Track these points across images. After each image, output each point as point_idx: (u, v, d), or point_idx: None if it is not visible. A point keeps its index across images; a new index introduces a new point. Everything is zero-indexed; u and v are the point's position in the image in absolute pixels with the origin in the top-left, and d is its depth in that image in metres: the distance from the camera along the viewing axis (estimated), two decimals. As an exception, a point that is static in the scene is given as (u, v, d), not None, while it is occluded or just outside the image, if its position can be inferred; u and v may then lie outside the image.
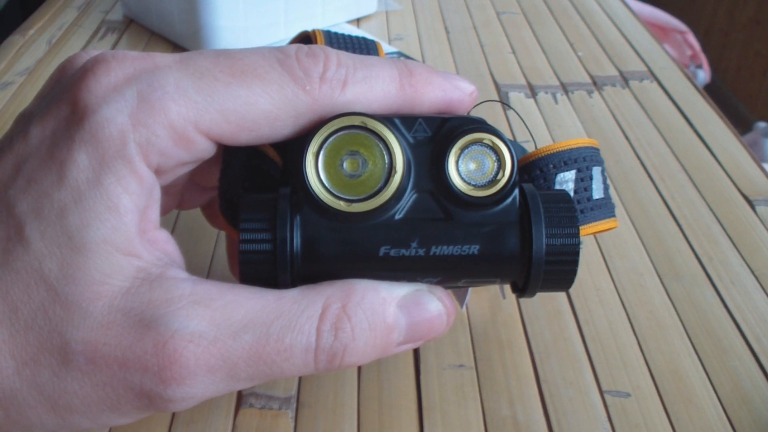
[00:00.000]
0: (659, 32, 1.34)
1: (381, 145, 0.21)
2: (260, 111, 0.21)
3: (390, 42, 0.55)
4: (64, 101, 0.20)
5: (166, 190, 0.23)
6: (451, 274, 0.22)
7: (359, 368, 0.27)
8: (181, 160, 0.21)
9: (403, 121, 0.22)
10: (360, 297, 0.21)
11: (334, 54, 0.22)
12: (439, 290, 0.23)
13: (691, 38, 1.36)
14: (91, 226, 0.19)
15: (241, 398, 0.26)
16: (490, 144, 0.22)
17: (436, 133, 0.22)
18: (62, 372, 0.19)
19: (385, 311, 0.21)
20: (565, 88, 0.49)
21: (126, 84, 0.20)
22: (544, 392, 0.27)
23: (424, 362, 0.28)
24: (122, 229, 0.19)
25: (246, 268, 0.21)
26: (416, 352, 0.28)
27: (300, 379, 0.27)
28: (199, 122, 0.20)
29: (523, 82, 0.49)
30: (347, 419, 0.26)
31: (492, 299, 0.31)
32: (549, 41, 0.56)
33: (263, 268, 0.21)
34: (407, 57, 0.52)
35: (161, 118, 0.20)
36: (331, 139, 0.21)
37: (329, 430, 0.25)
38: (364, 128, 0.21)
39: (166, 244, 0.21)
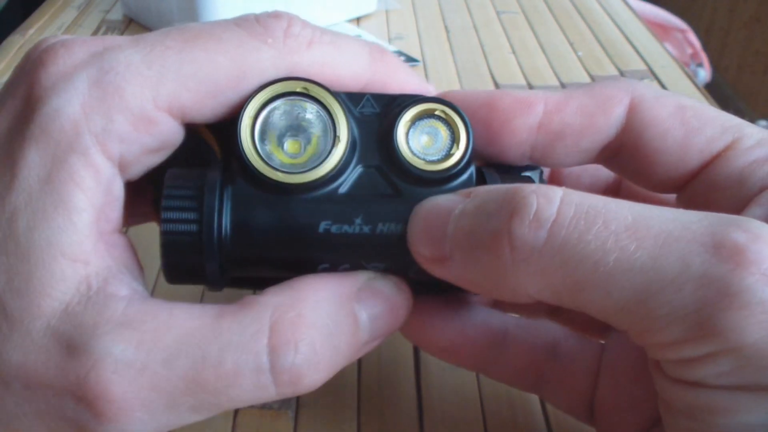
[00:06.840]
0: (660, 31, 1.34)
1: (323, 113, 0.20)
2: (221, 71, 0.19)
3: (390, 41, 0.55)
4: (18, 95, 0.19)
5: (139, 188, 0.21)
6: (398, 254, 0.20)
7: (359, 369, 0.27)
8: (146, 145, 0.19)
9: (350, 96, 0.21)
10: (314, 299, 0.19)
11: (300, 18, 0.20)
12: (390, 275, 0.21)
13: (692, 36, 1.36)
14: (37, 228, 0.17)
15: (241, 398, 0.26)
16: (443, 116, 0.20)
17: (384, 109, 0.21)
18: (7, 396, 0.17)
19: (347, 309, 0.19)
20: (565, 88, 0.49)
21: (75, 71, 0.18)
22: (543, 392, 0.27)
23: (424, 362, 0.28)
24: (70, 229, 0.17)
25: (169, 249, 0.19)
26: (416, 352, 0.28)
27: (300, 379, 0.27)
28: (157, 97, 0.18)
29: (523, 82, 0.49)
30: (347, 419, 0.26)
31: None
32: (549, 41, 0.56)
33: (187, 249, 0.19)
34: (407, 57, 0.52)
35: (115, 102, 0.18)
36: (270, 106, 0.20)
37: (329, 430, 0.25)
38: (306, 95, 0.20)
39: (123, 250, 0.19)
